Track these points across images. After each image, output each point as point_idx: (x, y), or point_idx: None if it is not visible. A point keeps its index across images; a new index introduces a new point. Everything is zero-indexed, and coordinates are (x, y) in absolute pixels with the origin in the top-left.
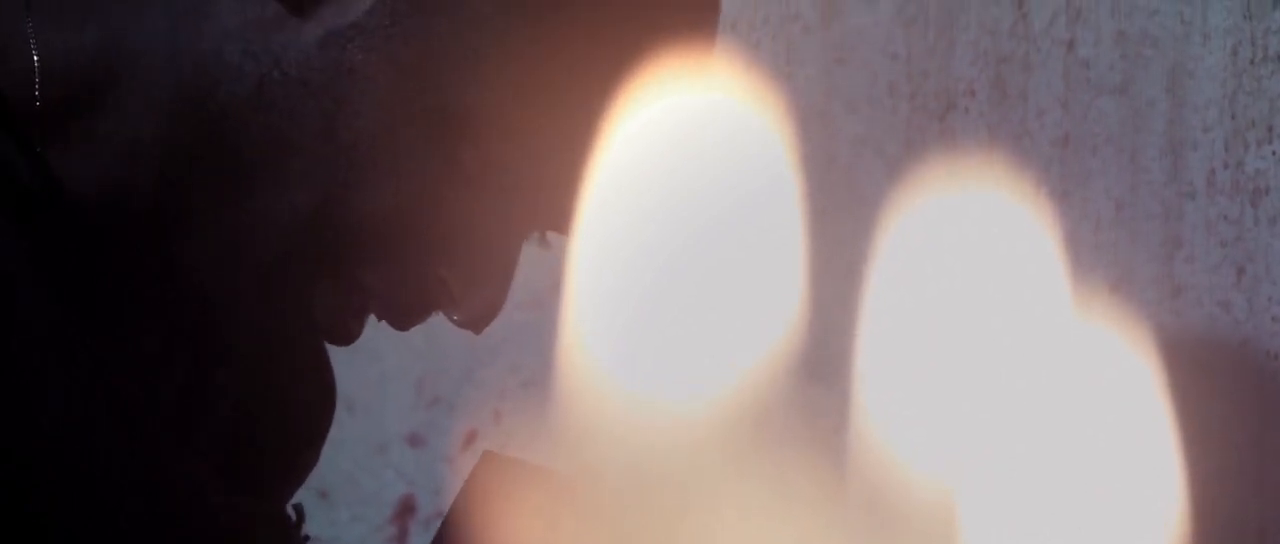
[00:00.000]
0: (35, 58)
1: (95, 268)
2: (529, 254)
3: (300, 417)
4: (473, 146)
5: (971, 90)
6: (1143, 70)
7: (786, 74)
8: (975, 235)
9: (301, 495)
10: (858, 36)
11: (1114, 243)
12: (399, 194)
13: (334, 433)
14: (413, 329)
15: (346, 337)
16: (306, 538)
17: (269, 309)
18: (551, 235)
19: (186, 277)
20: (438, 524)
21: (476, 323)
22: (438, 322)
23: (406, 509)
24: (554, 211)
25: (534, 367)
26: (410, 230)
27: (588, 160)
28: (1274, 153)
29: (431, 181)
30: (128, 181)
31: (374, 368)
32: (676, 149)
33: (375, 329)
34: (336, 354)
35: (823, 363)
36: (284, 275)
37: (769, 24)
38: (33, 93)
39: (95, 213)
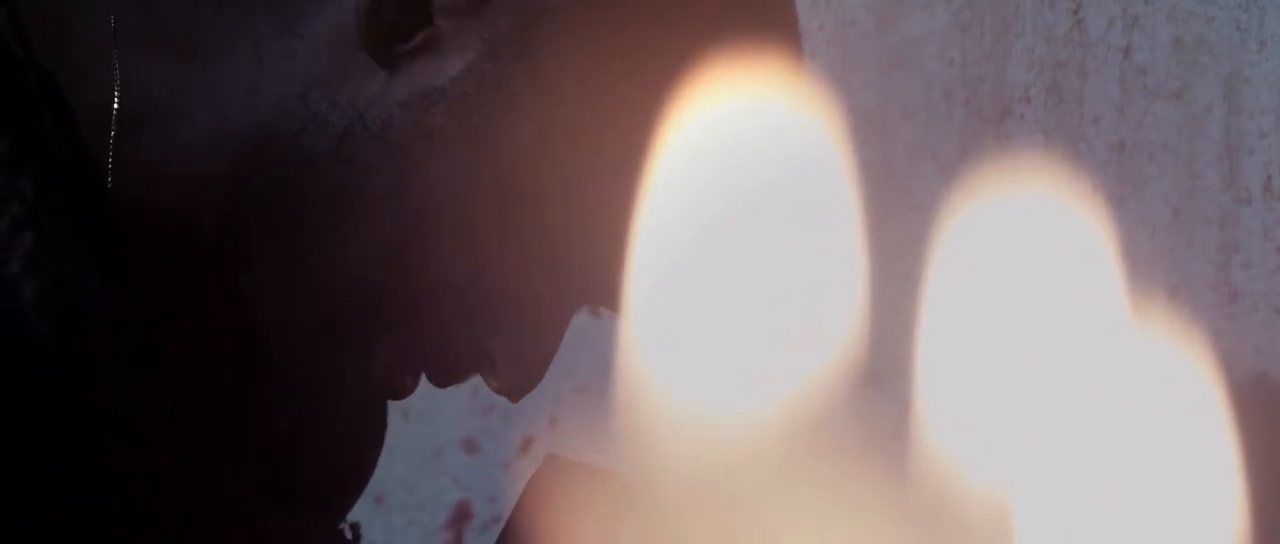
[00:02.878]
0: (117, 86)
1: (155, 292)
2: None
3: (353, 433)
4: (537, 220)
5: (1027, 96)
6: (1199, 76)
7: (842, 80)
8: (1031, 241)
9: (357, 503)
10: (914, 42)
11: (1170, 249)
12: (459, 261)
13: (390, 438)
14: None
15: (401, 393)
16: None
17: (327, 363)
18: (603, 311)
19: (245, 315)
20: (494, 530)
21: (514, 393)
22: None
23: (462, 515)
24: (607, 288)
25: (590, 372)
26: (465, 297)
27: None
28: None
29: (492, 252)
30: (192, 213)
31: None
32: (733, 155)
33: None
34: None
35: (880, 369)
36: (341, 330)
37: (825, 30)
38: (109, 117)
39: (157, 240)
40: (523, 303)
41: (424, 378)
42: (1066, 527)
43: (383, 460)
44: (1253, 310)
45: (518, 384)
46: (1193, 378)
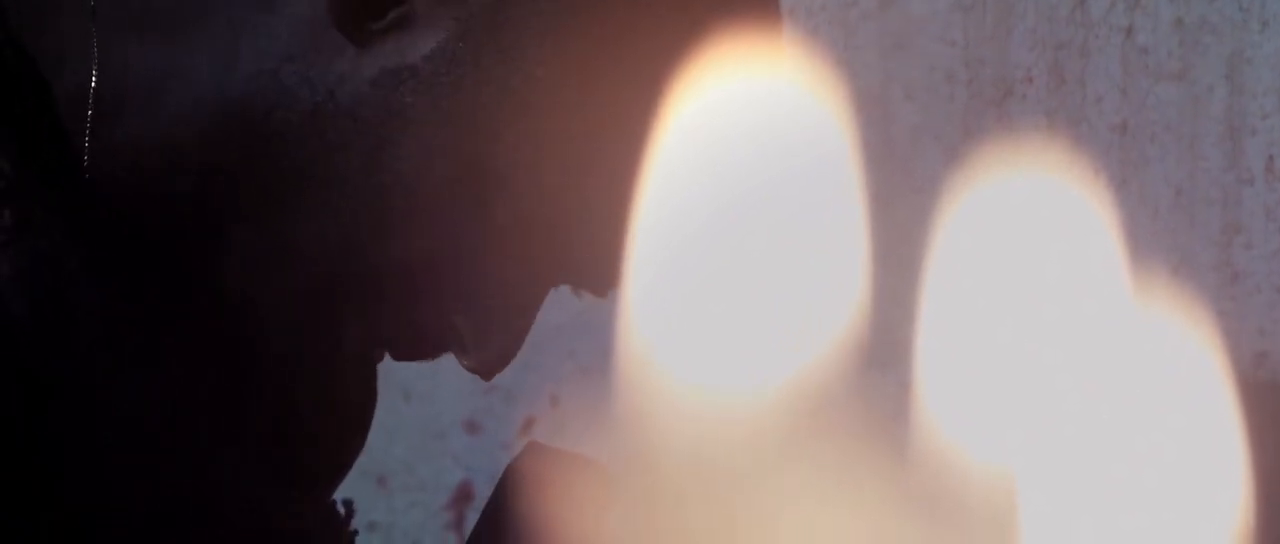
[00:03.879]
0: (95, 65)
1: (140, 269)
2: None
3: (343, 411)
4: (506, 200)
5: (1029, 77)
6: (1201, 57)
7: (844, 60)
8: (1033, 222)
9: (358, 482)
10: (915, 23)
11: (1172, 229)
12: (426, 239)
13: (391, 420)
14: None
15: (373, 363)
16: (355, 533)
17: (302, 339)
18: (583, 293)
19: (224, 291)
20: None
21: (486, 370)
22: None
23: (463, 495)
24: (586, 269)
25: (591, 353)
26: (432, 275)
27: (625, 218)
28: None
29: (460, 230)
30: (169, 192)
31: None
32: (734, 136)
33: None
34: None
35: (881, 350)
36: (313, 308)
37: (827, 10)
38: (87, 99)
39: (138, 221)
40: (492, 282)
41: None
42: (1068, 508)
43: (384, 442)
44: (1255, 291)
45: (487, 362)
46: (1195, 359)
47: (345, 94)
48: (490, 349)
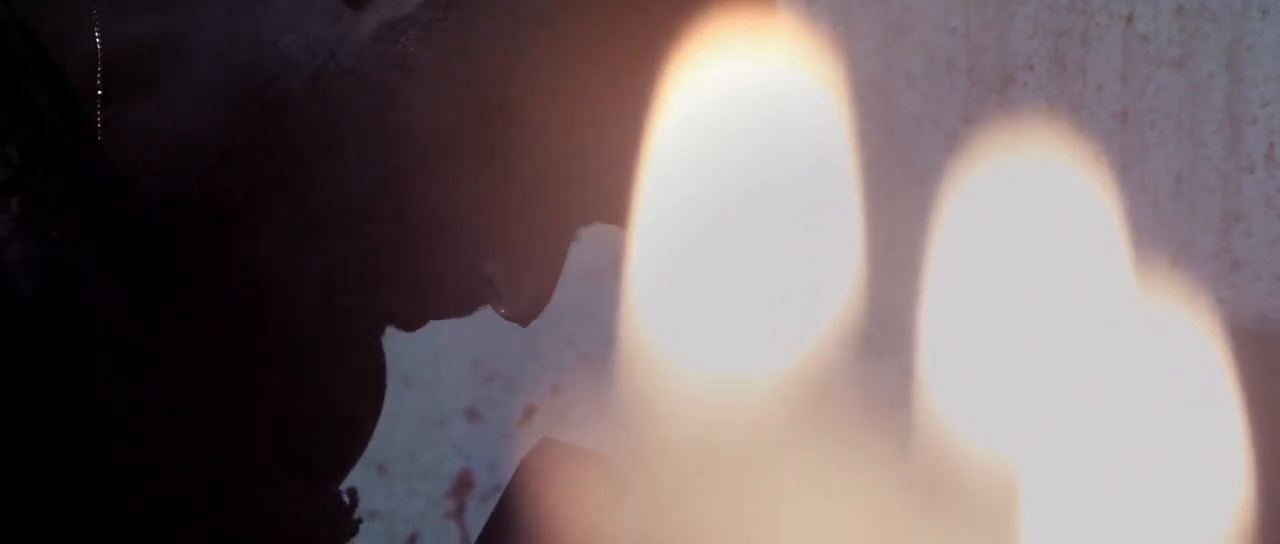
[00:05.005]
0: (98, 45)
1: (153, 257)
2: (583, 232)
3: (351, 398)
4: (519, 140)
5: (1030, 64)
6: (1201, 44)
7: (844, 47)
8: (1034, 209)
9: (358, 470)
10: (916, 10)
11: (1172, 217)
12: (446, 188)
13: (392, 408)
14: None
15: (409, 326)
16: (359, 520)
17: (331, 316)
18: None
19: (245, 271)
20: (495, 499)
21: (523, 316)
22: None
23: (464, 484)
24: (606, 204)
25: (592, 342)
26: (456, 225)
27: (640, 151)
28: None
29: (478, 176)
30: (183, 172)
31: (431, 343)
32: (735, 123)
33: None
34: (392, 331)
35: (882, 337)
36: (341, 280)
37: None
38: (95, 81)
39: (152, 203)
40: (515, 225)
41: (422, 344)
42: (1069, 492)
43: (385, 430)
44: (1255, 278)
45: (524, 308)
46: (1195, 346)
47: (346, 53)
48: (524, 294)
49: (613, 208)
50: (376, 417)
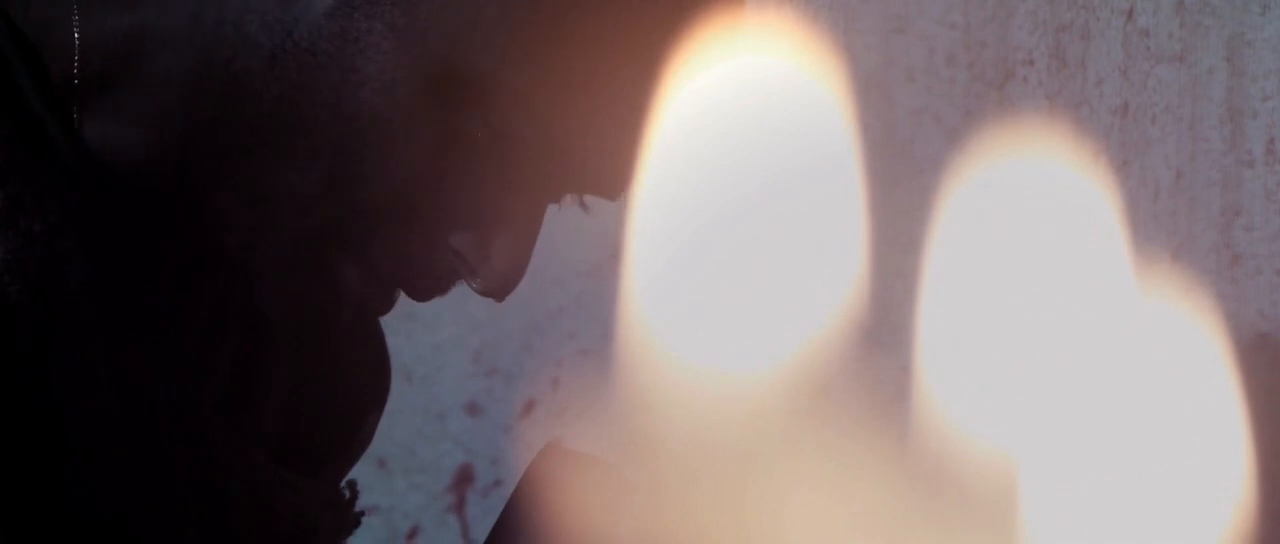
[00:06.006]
0: (76, 36)
1: (137, 247)
2: (586, 223)
3: (353, 392)
4: (478, 114)
5: (1030, 59)
6: (1202, 39)
7: (844, 43)
8: (1034, 205)
9: (359, 465)
10: (916, 5)
11: (1173, 211)
12: (404, 165)
13: (392, 402)
14: (469, 298)
15: (381, 310)
16: (360, 514)
17: (303, 288)
18: (593, 200)
19: (222, 254)
20: (497, 493)
21: (497, 291)
22: None
23: (464, 478)
24: (576, 174)
25: (592, 335)
26: (417, 202)
27: (618, 122)
28: None
29: (436, 151)
30: (157, 157)
31: (431, 337)
32: (735, 118)
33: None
34: (394, 324)
35: (883, 332)
36: (309, 253)
37: None
38: (72, 69)
39: (129, 190)
40: (480, 200)
41: (423, 338)
42: (1069, 487)
43: (385, 424)
44: (1255, 273)
45: (496, 282)
46: (1196, 341)
47: (302, 32)
48: (495, 267)
49: (584, 178)
50: (380, 411)
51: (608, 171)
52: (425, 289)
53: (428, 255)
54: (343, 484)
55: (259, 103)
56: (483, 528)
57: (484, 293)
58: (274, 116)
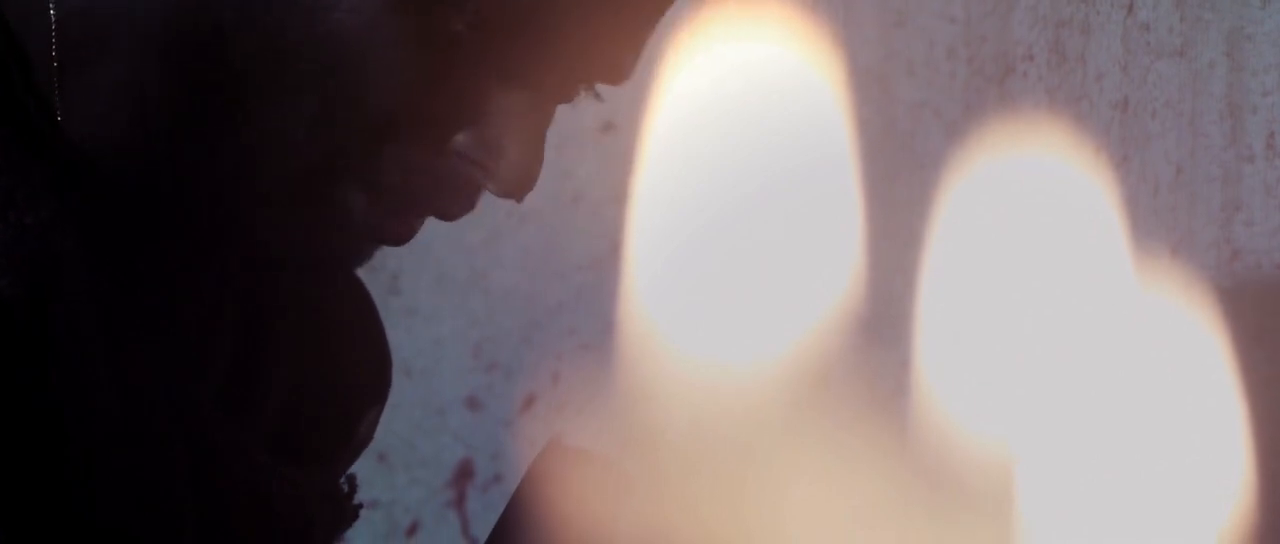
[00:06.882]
0: (52, 16)
1: (137, 247)
2: (586, 218)
3: (354, 390)
4: (458, 14)
5: (1030, 54)
6: (1202, 33)
7: (844, 36)
8: (1034, 199)
9: (359, 460)
10: None
11: (1173, 207)
12: (390, 77)
13: (392, 397)
14: (470, 292)
15: (397, 238)
16: (359, 507)
17: (306, 226)
18: (600, 86)
19: (215, 210)
20: (497, 488)
21: (514, 189)
22: (494, 286)
23: (464, 473)
24: (581, 63)
25: (592, 330)
26: (413, 112)
27: (606, 2)
28: None
29: (423, 59)
30: (142, 128)
31: (431, 332)
32: (734, 111)
33: (433, 292)
34: (394, 319)
35: (882, 326)
36: (310, 188)
37: None
38: (52, 51)
39: (117, 169)
40: (476, 100)
41: (423, 333)
42: (1068, 481)
43: (385, 418)
44: (1255, 268)
45: (512, 181)
46: (1195, 335)
47: None
48: (510, 168)
49: (584, 66)
50: (381, 408)
51: (606, 55)
52: (445, 205)
53: (436, 166)
54: (342, 478)
55: (237, 47)
56: (482, 522)
57: (502, 193)
58: (254, 58)
